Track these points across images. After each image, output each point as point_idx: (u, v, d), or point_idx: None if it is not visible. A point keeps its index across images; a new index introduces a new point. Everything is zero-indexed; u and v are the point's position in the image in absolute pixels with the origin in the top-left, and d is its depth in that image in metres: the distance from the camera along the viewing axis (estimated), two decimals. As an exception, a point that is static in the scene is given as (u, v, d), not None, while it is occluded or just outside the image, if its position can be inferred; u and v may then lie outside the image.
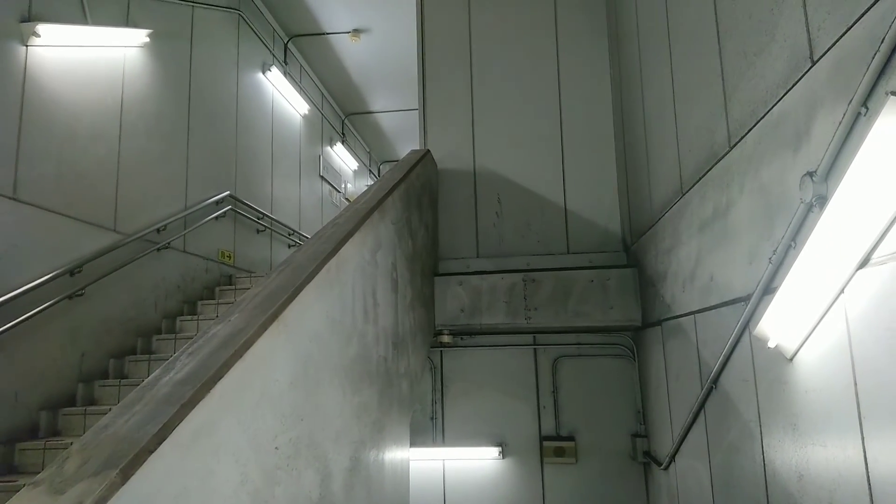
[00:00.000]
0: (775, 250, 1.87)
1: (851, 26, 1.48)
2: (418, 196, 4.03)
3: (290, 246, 8.21)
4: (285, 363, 1.79)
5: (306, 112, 9.10)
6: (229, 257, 6.55)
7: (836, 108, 1.55)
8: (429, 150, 4.73)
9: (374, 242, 2.86)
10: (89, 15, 4.58)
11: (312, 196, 9.54)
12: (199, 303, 5.56)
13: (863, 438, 1.49)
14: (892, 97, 1.20)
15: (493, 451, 4.64)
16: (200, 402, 1.33)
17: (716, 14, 2.44)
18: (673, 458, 3.47)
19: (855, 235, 1.44)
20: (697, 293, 2.82)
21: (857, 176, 1.35)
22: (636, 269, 4.18)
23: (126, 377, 4.42)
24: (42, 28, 4.01)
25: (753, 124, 2.11)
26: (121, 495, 1.09)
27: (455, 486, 4.71)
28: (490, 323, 4.32)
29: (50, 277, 3.92)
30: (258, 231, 7.33)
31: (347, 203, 10.81)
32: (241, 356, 1.51)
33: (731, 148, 2.34)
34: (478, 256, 4.75)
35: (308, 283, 1.97)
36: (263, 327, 1.65)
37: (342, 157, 11.23)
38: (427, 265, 4.22)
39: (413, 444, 4.21)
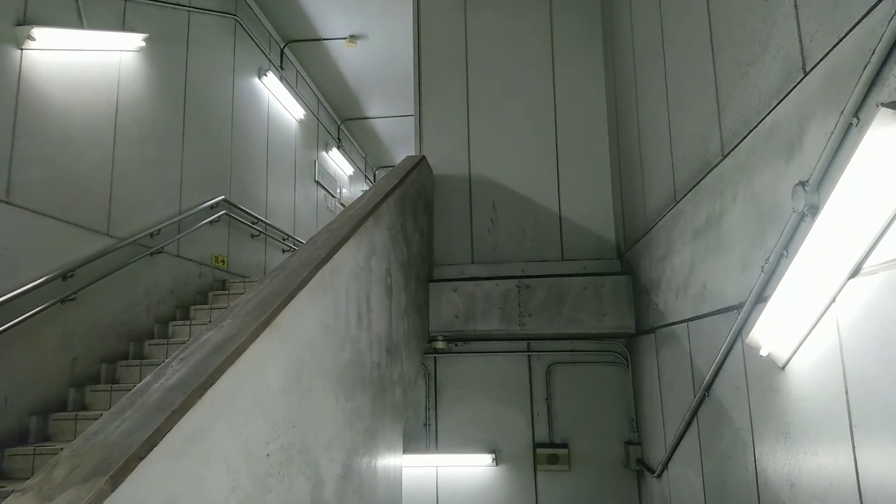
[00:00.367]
0: (768, 259, 1.88)
1: (843, 38, 1.50)
2: (413, 202, 4.03)
3: (284, 251, 8.19)
4: (278, 369, 1.78)
5: (302, 117, 9.11)
6: (223, 262, 6.53)
7: (828, 118, 1.56)
8: (424, 156, 4.74)
9: (369, 248, 2.85)
10: (85, 19, 4.58)
11: (307, 201, 9.53)
12: (193, 308, 5.52)
13: (854, 447, 1.50)
14: (882, 108, 1.21)
15: (487, 458, 4.63)
16: (191, 409, 1.32)
17: (710, 23, 2.46)
18: (666, 465, 3.47)
19: (846, 245, 1.45)
20: (691, 301, 2.83)
21: (849, 186, 1.36)
22: (630, 276, 4.19)
23: (118, 382, 4.39)
24: (37, 32, 4.01)
25: (746, 133, 2.13)
26: (110, 502, 1.08)
27: (448, 493, 4.70)
28: (484, 329, 4.32)
29: (42, 281, 3.90)
30: (252, 236, 7.31)
31: (342, 208, 10.80)
32: (233, 362, 1.51)
33: (725, 157, 2.35)
34: (473, 262, 4.75)
35: (301, 288, 1.97)
36: (256, 333, 1.64)
37: (338, 163, 11.23)
38: (422, 271, 4.22)
39: (406, 450, 4.20)
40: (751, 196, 2.10)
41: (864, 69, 1.36)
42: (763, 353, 1.93)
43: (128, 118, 5.02)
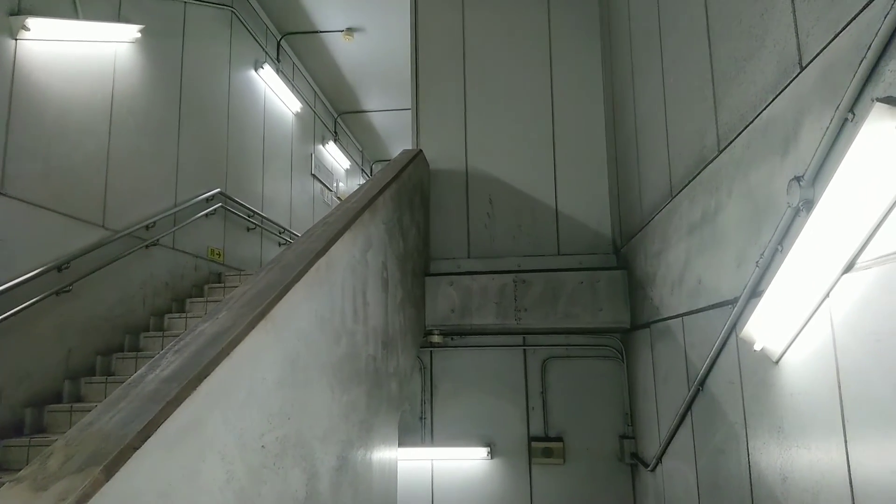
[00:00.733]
0: (762, 254, 1.89)
1: (839, 33, 1.50)
2: (410, 196, 4.02)
3: (280, 244, 8.18)
4: (273, 362, 1.78)
5: (298, 110, 9.07)
6: (219, 255, 6.52)
7: (824, 113, 1.56)
8: (421, 150, 4.73)
9: (365, 242, 2.85)
10: (80, 9, 4.54)
11: (304, 194, 9.51)
12: (188, 300, 5.52)
13: (846, 441, 1.51)
14: (878, 104, 1.21)
15: (482, 452, 4.65)
16: (186, 400, 1.32)
17: (707, 18, 2.46)
18: (660, 459, 3.49)
19: (840, 240, 1.45)
20: (685, 296, 2.84)
21: (844, 181, 1.36)
22: (626, 271, 4.20)
23: (113, 374, 4.39)
24: (32, 22, 3.98)
25: (742, 129, 2.13)
26: (104, 492, 1.08)
27: (443, 487, 4.72)
28: (480, 323, 4.33)
29: (37, 273, 3.89)
30: (248, 229, 7.29)
31: (339, 202, 10.78)
32: (228, 354, 1.51)
33: (721, 152, 2.35)
34: (469, 257, 4.75)
35: (297, 281, 1.96)
36: (251, 325, 1.64)
37: (334, 156, 11.20)
38: (418, 265, 4.22)
39: (402, 443, 4.20)
40: (746, 191, 2.10)
41: (860, 64, 1.36)
42: (757, 347, 1.94)
43: (123, 110, 4.99)
